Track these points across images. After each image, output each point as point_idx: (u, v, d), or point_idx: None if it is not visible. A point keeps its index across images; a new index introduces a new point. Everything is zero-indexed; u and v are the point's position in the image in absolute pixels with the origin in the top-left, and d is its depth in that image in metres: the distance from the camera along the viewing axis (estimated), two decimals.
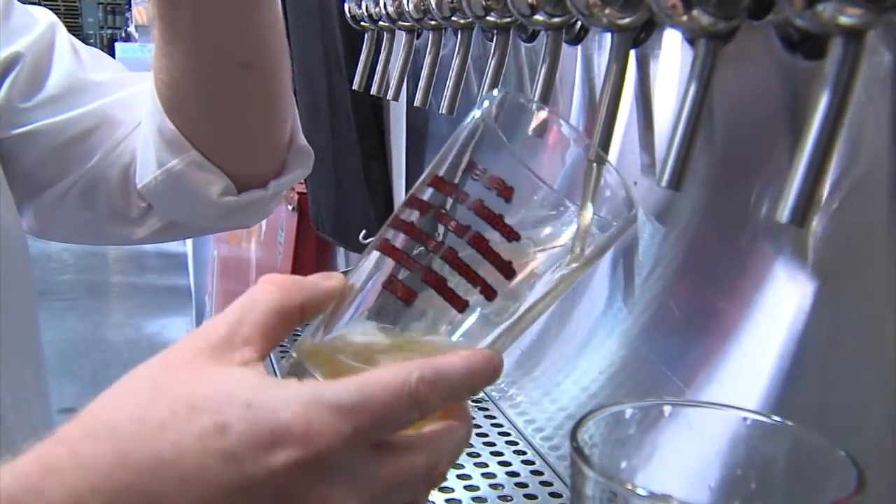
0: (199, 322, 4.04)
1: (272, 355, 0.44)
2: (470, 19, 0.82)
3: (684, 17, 0.49)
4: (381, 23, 1.06)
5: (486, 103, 0.44)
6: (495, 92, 0.44)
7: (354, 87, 1.17)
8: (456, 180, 0.42)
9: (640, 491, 0.41)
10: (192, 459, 0.36)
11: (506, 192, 0.41)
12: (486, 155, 0.42)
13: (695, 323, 0.72)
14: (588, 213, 0.43)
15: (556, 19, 0.68)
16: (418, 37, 1.05)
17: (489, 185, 0.41)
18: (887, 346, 0.52)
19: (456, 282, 0.42)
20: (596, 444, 0.47)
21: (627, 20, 0.59)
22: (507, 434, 0.92)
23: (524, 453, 0.88)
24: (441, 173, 0.43)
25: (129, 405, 0.39)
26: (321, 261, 2.05)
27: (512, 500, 0.79)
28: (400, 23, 1.01)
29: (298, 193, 2.04)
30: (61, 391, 3.73)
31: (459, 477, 0.81)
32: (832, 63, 0.41)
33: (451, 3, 0.83)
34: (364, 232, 1.50)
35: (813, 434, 0.45)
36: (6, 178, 0.73)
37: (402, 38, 1.04)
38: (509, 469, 0.84)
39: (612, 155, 0.78)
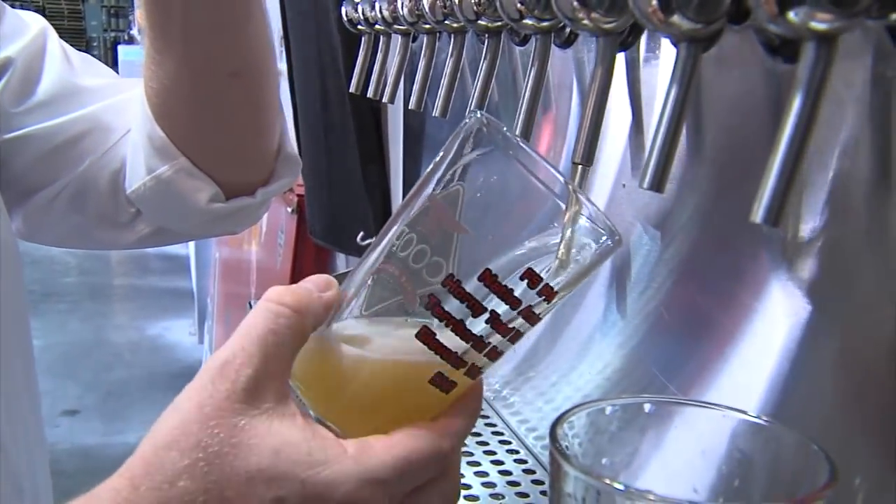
0: (201, 324, 4.04)
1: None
2: (462, 23, 0.83)
3: (665, 22, 0.50)
4: (377, 26, 1.07)
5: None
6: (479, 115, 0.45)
7: (351, 90, 1.18)
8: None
9: (617, 485, 0.41)
10: None
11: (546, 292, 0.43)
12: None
13: (691, 330, 0.72)
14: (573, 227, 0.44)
15: (545, 23, 0.69)
16: (414, 40, 1.06)
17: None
18: (882, 353, 0.53)
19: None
20: (577, 441, 0.48)
21: (612, 24, 0.59)
22: (501, 433, 0.93)
23: (517, 452, 0.88)
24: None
25: (178, 478, 0.40)
26: (320, 263, 2.06)
27: (504, 498, 0.79)
28: (395, 26, 1.02)
29: (298, 196, 2.05)
30: (64, 393, 3.74)
31: None
32: (804, 66, 0.42)
33: (444, 7, 0.84)
34: (361, 234, 1.51)
35: (789, 430, 0.46)
36: None
37: (397, 41, 1.05)
38: (502, 468, 0.85)
39: (612, 157, 0.79)
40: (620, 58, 0.73)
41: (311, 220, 1.86)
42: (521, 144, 0.43)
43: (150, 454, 0.40)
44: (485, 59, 0.82)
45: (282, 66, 2.11)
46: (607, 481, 0.42)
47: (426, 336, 0.43)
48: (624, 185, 0.76)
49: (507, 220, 0.44)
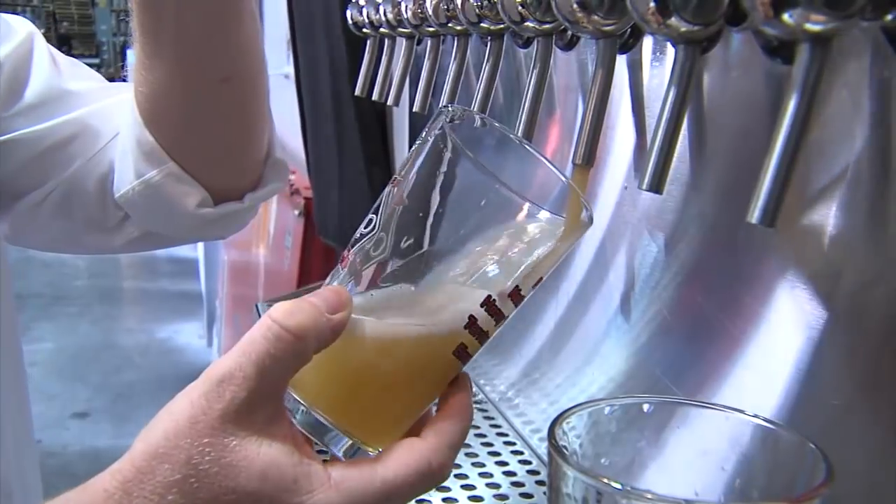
0: (210, 327, 4.05)
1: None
2: (465, 26, 0.83)
3: (662, 24, 0.50)
4: (381, 30, 1.08)
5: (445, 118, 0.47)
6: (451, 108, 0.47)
7: (357, 92, 1.19)
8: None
9: (615, 484, 0.42)
10: None
11: None
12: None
13: (697, 334, 0.72)
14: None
15: (546, 26, 0.69)
16: (418, 43, 1.06)
17: None
18: (892, 357, 0.52)
19: None
20: (577, 441, 0.48)
21: (612, 26, 0.60)
22: (505, 434, 0.93)
23: (521, 453, 0.89)
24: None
25: (168, 491, 0.41)
26: (328, 265, 2.06)
27: (508, 499, 0.80)
28: (399, 30, 1.02)
29: (305, 199, 2.06)
30: (74, 396, 3.76)
31: (457, 476, 0.82)
32: (799, 67, 0.42)
33: (447, 10, 0.85)
34: None
35: (787, 430, 0.47)
36: None
37: (402, 44, 1.06)
38: (506, 468, 0.85)
39: (621, 160, 0.79)
40: (624, 60, 0.74)
41: (319, 221, 1.87)
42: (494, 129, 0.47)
43: (142, 462, 0.41)
44: (487, 61, 0.82)
45: (289, 69, 2.12)
46: (605, 480, 0.42)
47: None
48: (626, 187, 0.76)
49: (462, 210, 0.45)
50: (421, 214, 0.45)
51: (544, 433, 0.90)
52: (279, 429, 0.43)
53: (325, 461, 0.44)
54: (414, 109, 0.97)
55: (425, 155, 0.46)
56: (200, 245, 4.49)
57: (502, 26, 0.78)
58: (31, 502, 0.74)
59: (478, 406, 0.99)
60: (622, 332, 0.82)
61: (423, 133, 0.47)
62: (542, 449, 0.89)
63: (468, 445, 0.89)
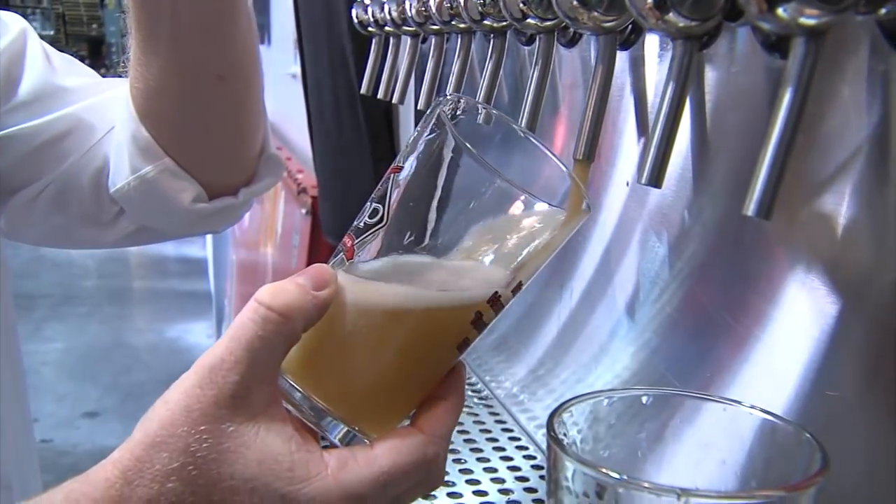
0: (219, 326, 4.06)
1: None
2: (468, 24, 0.83)
3: (660, 19, 0.50)
4: (386, 28, 1.08)
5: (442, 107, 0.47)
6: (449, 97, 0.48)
7: (362, 91, 1.19)
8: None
9: (614, 474, 0.42)
10: None
11: None
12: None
13: (704, 332, 0.72)
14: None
15: (548, 23, 0.70)
16: (423, 41, 1.06)
17: None
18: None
19: None
20: (577, 432, 0.49)
21: (612, 23, 0.60)
22: (510, 430, 0.93)
23: (526, 448, 0.89)
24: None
25: (167, 479, 0.41)
26: None
27: (512, 493, 0.80)
28: (404, 28, 1.03)
29: (312, 197, 2.06)
30: (84, 395, 3.77)
31: (461, 471, 0.83)
32: (793, 61, 0.42)
33: (451, 8, 0.85)
34: None
35: (785, 420, 0.47)
36: None
37: (407, 42, 1.06)
38: (511, 464, 0.85)
39: (628, 158, 0.80)
40: (626, 57, 0.74)
41: (325, 220, 1.87)
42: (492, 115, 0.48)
43: (140, 451, 0.41)
44: (490, 58, 0.83)
45: (296, 68, 2.13)
46: (604, 470, 0.42)
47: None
48: (627, 184, 0.76)
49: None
50: (419, 204, 0.45)
51: (541, 422, 0.91)
52: (276, 412, 0.43)
53: (324, 447, 0.45)
54: (419, 107, 0.98)
55: (425, 144, 0.46)
56: (209, 245, 4.51)
57: (505, 24, 0.78)
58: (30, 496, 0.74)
59: (484, 403, 0.99)
60: (629, 330, 0.82)
61: (423, 121, 0.47)
62: (539, 436, 0.89)
63: (473, 441, 0.90)
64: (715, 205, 0.69)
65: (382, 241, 0.46)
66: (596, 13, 0.59)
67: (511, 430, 0.94)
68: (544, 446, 0.90)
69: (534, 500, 0.79)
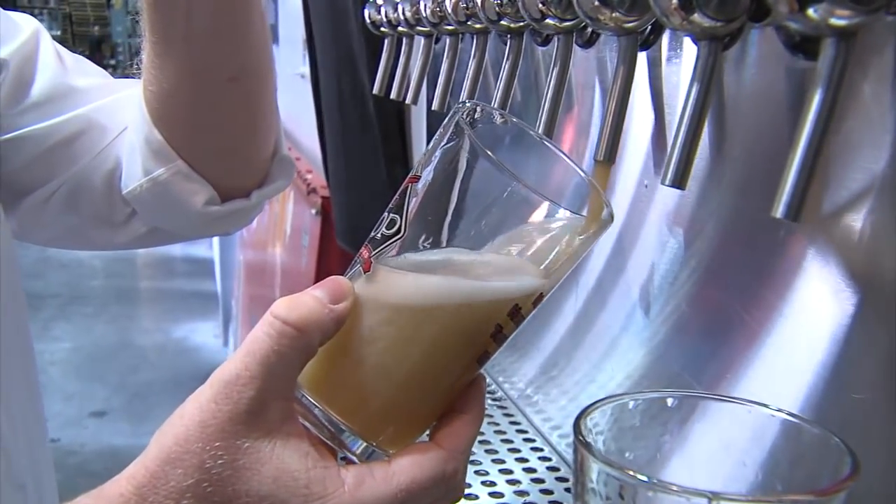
0: (226, 326, 4.07)
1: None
2: (484, 24, 0.83)
3: (685, 20, 0.50)
4: (399, 28, 1.08)
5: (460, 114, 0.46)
6: (468, 104, 0.47)
7: (375, 91, 1.19)
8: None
9: (641, 477, 0.42)
10: None
11: None
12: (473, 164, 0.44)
13: (716, 329, 0.72)
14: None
15: (567, 23, 0.69)
16: (437, 42, 1.06)
17: None
18: None
19: None
20: (600, 436, 0.49)
21: (633, 23, 0.60)
22: (525, 432, 0.93)
23: (541, 450, 0.89)
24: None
25: (183, 496, 0.41)
26: (345, 263, 2.06)
27: (528, 495, 0.80)
28: (418, 28, 1.03)
29: (322, 198, 2.06)
30: (92, 395, 3.78)
31: (477, 473, 0.83)
32: (824, 62, 0.42)
33: (467, 8, 0.85)
34: None
35: (811, 424, 0.47)
36: None
37: (420, 43, 1.06)
38: (526, 465, 0.85)
39: (635, 156, 0.79)
40: (642, 57, 0.74)
41: (337, 221, 1.87)
42: (515, 123, 0.47)
43: (155, 467, 0.41)
44: (507, 59, 0.83)
45: (304, 69, 2.13)
46: (631, 473, 0.42)
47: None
48: (646, 185, 0.76)
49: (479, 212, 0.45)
50: (438, 213, 0.44)
51: (564, 430, 0.91)
52: (293, 428, 0.43)
53: (341, 461, 0.44)
54: (433, 107, 0.97)
55: (442, 152, 0.45)
56: (216, 245, 4.52)
57: (522, 24, 0.78)
58: (45, 499, 0.74)
59: (497, 403, 0.99)
60: (641, 327, 0.82)
61: (441, 129, 0.47)
62: (563, 446, 0.89)
63: (488, 443, 0.90)
64: (726, 201, 0.69)
65: (400, 252, 0.45)
66: (618, 13, 0.59)
67: (526, 432, 0.93)
68: (559, 448, 0.90)
69: (550, 502, 0.79)
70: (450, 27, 0.94)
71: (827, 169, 0.55)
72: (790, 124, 0.59)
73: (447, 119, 0.47)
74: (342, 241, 1.85)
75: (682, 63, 0.71)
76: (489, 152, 0.43)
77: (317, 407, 0.45)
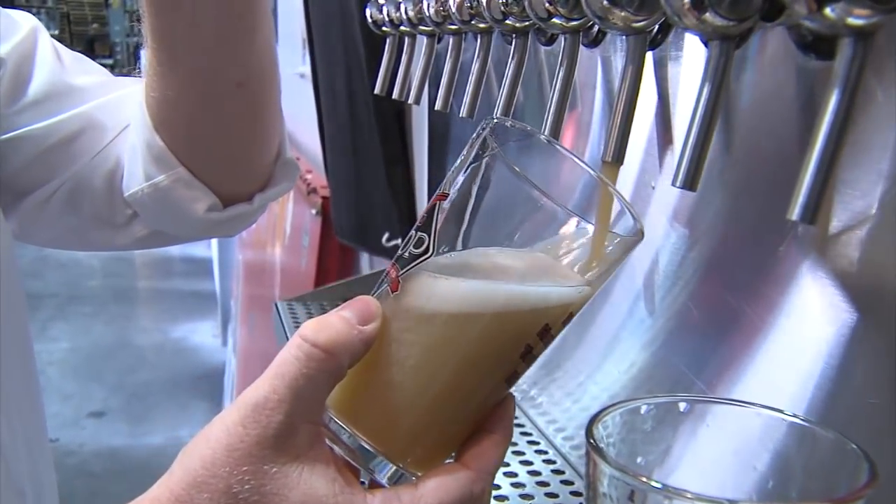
0: (224, 326, 4.06)
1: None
2: (489, 23, 0.82)
3: (696, 19, 0.49)
4: (402, 28, 1.07)
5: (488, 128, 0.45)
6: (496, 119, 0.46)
7: (376, 91, 1.18)
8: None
9: (655, 483, 0.41)
10: None
11: None
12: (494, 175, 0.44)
13: (719, 328, 0.71)
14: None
15: (574, 23, 0.69)
16: (439, 41, 1.06)
17: None
18: None
19: None
20: (612, 440, 0.48)
21: (642, 23, 0.59)
22: (529, 434, 0.93)
23: (545, 452, 0.88)
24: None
25: None
26: (345, 264, 2.06)
27: (533, 498, 0.79)
28: (421, 27, 1.02)
29: (322, 198, 2.06)
30: (90, 395, 3.78)
31: None
32: (841, 63, 0.41)
33: (471, 7, 0.84)
34: (387, 235, 1.51)
35: (825, 429, 0.46)
36: None
37: (422, 42, 1.05)
38: (531, 468, 0.85)
39: (635, 156, 0.79)
40: (648, 56, 0.73)
41: (336, 221, 1.87)
42: (545, 140, 0.46)
43: (180, 491, 0.40)
44: (512, 59, 0.82)
45: (304, 68, 2.13)
46: (644, 479, 0.41)
47: None
48: (653, 187, 0.75)
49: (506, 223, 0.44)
50: (467, 232, 0.44)
51: (568, 432, 0.91)
52: (320, 453, 0.42)
53: (365, 484, 0.43)
54: (436, 108, 0.97)
55: (471, 170, 0.44)
56: (214, 245, 4.52)
57: (528, 23, 0.77)
58: (45, 502, 0.73)
59: None
60: (645, 326, 0.82)
61: (468, 145, 0.46)
62: (567, 448, 0.89)
63: None
64: (728, 198, 0.68)
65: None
66: (626, 13, 0.58)
67: (530, 434, 0.93)
68: (563, 449, 0.89)
69: (546, 495, 0.79)
70: (453, 27, 0.93)
71: (837, 171, 0.54)
72: (795, 123, 0.59)
73: (475, 135, 0.46)
74: (342, 238, 1.84)
75: (682, 63, 0.71)
76: (518, 169, 0.42)
77: (345, 431, 0.44)
